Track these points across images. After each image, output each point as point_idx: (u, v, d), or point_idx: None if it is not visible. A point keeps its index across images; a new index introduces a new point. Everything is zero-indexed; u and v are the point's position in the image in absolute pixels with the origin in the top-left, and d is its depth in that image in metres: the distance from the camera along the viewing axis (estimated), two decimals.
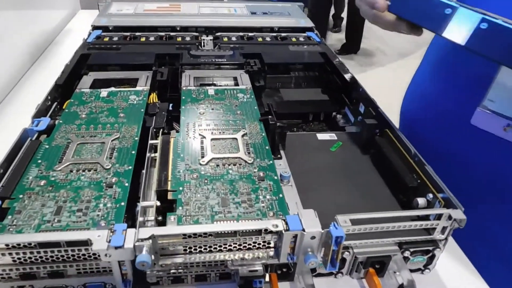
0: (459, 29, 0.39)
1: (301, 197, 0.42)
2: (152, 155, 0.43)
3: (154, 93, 0.55)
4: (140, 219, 0.34)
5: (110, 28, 0.73)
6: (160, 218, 0.36)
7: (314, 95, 0.62)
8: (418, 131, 0.63)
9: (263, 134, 0.45)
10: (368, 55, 2.88)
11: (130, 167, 0.39)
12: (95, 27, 0.73)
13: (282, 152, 0.48)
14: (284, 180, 0.42)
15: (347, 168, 0.47)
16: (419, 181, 0.41)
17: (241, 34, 0.73)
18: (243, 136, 0.45)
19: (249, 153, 0.42)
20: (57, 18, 1.00)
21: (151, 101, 0.54)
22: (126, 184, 0.37)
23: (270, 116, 0.47)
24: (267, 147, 0.43)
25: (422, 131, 0.62)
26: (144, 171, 0.39)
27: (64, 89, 0.54)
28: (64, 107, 0.51)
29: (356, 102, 0.56)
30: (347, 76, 0.59)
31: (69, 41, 0.94)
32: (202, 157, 0.41)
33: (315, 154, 0.49)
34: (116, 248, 0.31)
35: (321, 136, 0.52)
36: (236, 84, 0.57)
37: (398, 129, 0.47)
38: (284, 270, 0.37)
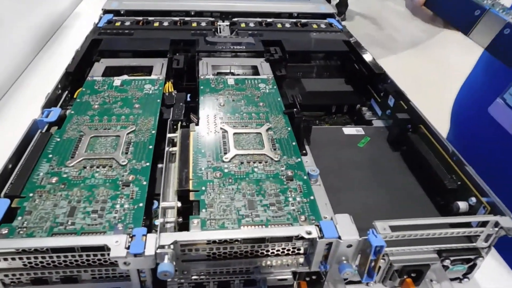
0: (483, 32, 0.39)
1: (330, 198, 0.39)
2: (171, 149, 0.40)
3: (170, 82, 0.52)
4: (160, 220, 0.32)
5: (122, 12, 0.69)
6: (180, 219, 0.34)
7: (338, 86, 0.58)
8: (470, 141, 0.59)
9: (289, 129, 0.42)
10: (380, 43, 2.81)
11: (147, 164, 0.37)
12: (105, 11, 0.69)
13: (307, 147, 0.45)
14: (312, 179, 0.39)
15: (377, 166, 0.44)
16: (459, 183, 0.38)
17: (259, 20, 0.70)
18: (267, 130, 0.42)
19: (275, 149, 0.39)
20: (65, 1, 0.96)
21: (167, 91, 0.50)
22: (144, 183, 0.35)
23: (295, 109, 0.44)
24: (293, 143, 0.40)
25: (474, 140, 0.58)
26: (163, 166, 0.37)
27: (75, 77, 0.51)
28: (75, 96, 0.48)
29: (384, 94, 0.52)
30: (375, 67, 0.55)
31: (78, 25, 0.90)
32: (225, 153, 0.38)
33: (342, 150, 0.46)
34: (135, 255, 0.28)
35: (348, 130, 0.49)
36: (256, 73, 0.54)
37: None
38: (314, 277, 0.35)
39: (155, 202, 0.37)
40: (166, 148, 0.41)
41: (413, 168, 0.43)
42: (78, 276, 0.31)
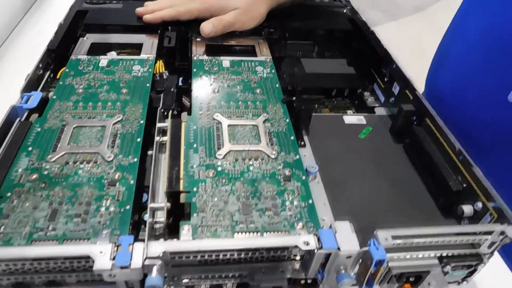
0: None
1: (328, 194, 0.37)
2: (161, 139, 0.38)
3: (161, 61, 0.49)
4: (149, 220, 0.30)
5: None
6: (170, 220, 0.32)
7: (339, 67, 0.55)
8: (447, 105, 0.58)
9: (287, 120, 0.40)
10: (380, 6, 2.71)
11: (135, 159, 0.34)
12: None
13: (306, 138, 0.42)
14: (310, 175, 0.37)
15: (378, 160, 0.42)
16: (464, 185, 0.36)
17: None
18: (264, 122, 0.39)
19: (272, 144, 0.37)
20: None
21: (157, 71, 0.47)
22: (132, 182, 0.32)
23: (294, 98, 0.41)
24: (292, 138, 0.38)
25: (453, 105, 0.57)
26: (152, 154, 0.34)
27: (57, 54, 0.47)
28: (58, 77, 0.44)
29: (388, 80, 0.49)
30: (379, 48, 0.52)
31: None
32: (219, 148, 0.36)
33: (342, 141, 0.43)
34: (121, 268, 0.26)
35: (349, 119, 0.46)
36: (253, 52, 0.50)
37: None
38: (309, 281, 0.33)
39: (145, 195, 0.35)
40: (156, 138, 0.38)
41: (417, 163, 0.41)
42: (62, 280, 0.30)
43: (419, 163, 0.41)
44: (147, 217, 0.30)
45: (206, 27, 0.48)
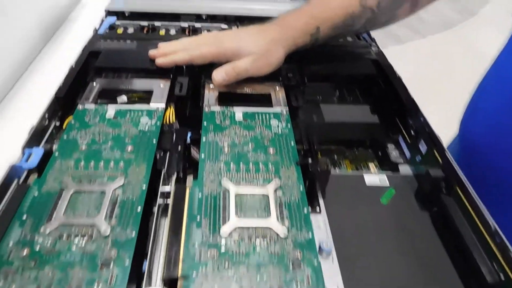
0: None
1: (343, 273, 0.33)
2: (164, 201, 0.36)
3: (172, 108, 0.46)
4: None
5: (126, 14, 0.63)
6: None
7: (362, 115, 0.51)
8: (482, 155, 0.53)
9: (301, 188, 0.36)
10: (406, 22, 2.63)
11: (133, 234, 0.32)
12: (109, 13, 0.63)
13: (321, 202, 0.39)
14: (324, 253, 0.34)
15: (401, 231, 0.38)
16: (502, 276, 0.31)
17: None
18: (276, 190, 0.36)
19: (282, 218, 0.34)
20: None
21: (167, 121, 0.45)
22: (127, 264, 0.30)
23: (311, 161, 0.38)
24: (305, 210, 0.34)
25: (487, 156, 0.52)
26: (153, 222, 0.32)
27: (65, 101, 0.45)
28: (64, 127, 0.43)
29: (415, 135, 0.45)
30: (405, 97, 0.48)
31: (85, 17, 0.84)
32: (223, 222, 0.33)
33: (362, 207, 0.40)
34: None
35: (370, 179, 0.43)
36: (269, 101, 0.48)
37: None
38: None
39: (145, 262, 0.33)
40: (159, 201, 0.36)
41: (445, 239, 0.37)
42: None
43: (448, 239, 0.37)
44: None
45: (218, 76, 0.46)
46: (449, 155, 0.40)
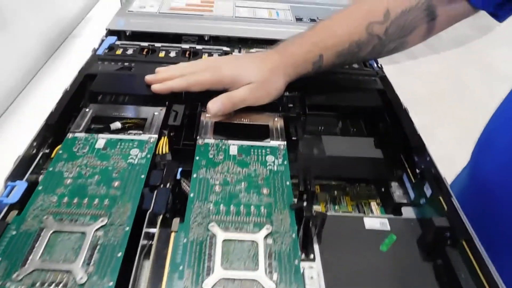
0: None
1: None
2: (148, 242, 0.34)
3: (165, 138, 0.45)
4: None
5: (127, 34, 0.62)
6: None
7: (365, 149, 0.49)
8: (493, 194, 0.51)
9: (293, 236, 0.34)
10: None
11: (110, 283, 0.30)
12: (110, 32, 0.62)
13: (316, 247, 0.37)
14: None
15: (402, 282, 0.35)
16: None
17: None
18: (266, 237, 0.34)
19: (271, 272, 0.31)
20: (76, 6, 0.88)
21: (159, 151, 0.43)
22: None
23: (305, 204, 0.36)
24: (296, 262, 0.32)
25: (499, 195, 0.50)
26: (134, 267, 0.30)
27: (56, 128, 0.44)
28: (52, 156, 0.41)
29: (420, 176, 0.43)
30: (410, 133, 0.46)
31: (89, 32, 0.83)
32: (208, 273, 0.31)
33: (360, 254, 0.37)
34: None
35: (370, 222, 0.40)
36: (266, 134, 0.45)
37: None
38: None
39: None
40: (142, 241, 0.34)
41: None
42: None
43: None
44: None
45: (214, 107, 0.44)
46: (455, 202, 0.37)
